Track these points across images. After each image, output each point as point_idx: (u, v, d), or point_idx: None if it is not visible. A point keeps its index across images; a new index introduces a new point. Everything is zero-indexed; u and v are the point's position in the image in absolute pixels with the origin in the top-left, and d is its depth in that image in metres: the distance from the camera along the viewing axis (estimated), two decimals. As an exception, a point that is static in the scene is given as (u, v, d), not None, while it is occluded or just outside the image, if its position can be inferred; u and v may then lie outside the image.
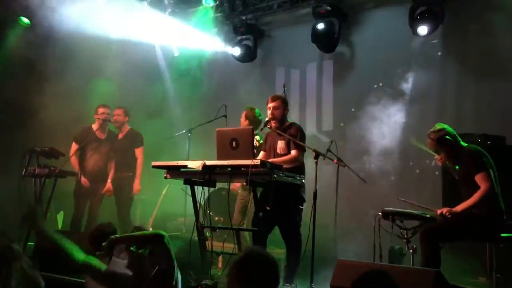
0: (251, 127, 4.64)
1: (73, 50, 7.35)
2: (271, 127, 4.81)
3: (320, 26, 7.05)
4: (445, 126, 4.25)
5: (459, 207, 4.03)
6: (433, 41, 6.52)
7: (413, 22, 6.32)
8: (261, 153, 4.97)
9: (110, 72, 7.63)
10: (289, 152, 4.70)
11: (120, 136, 6.77)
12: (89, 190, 6.39)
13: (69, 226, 6.56)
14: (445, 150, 4.24)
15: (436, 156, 4.43)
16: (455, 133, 4.24)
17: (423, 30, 6.28)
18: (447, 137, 4.19)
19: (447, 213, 4.00)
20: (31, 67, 7.39)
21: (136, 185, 6.60)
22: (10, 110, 7.20)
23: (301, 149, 4.65)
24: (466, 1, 6.39)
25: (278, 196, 4.14)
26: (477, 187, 4.02)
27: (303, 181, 4.63)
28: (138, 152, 6.68)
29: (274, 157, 4.74)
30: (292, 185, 4.39)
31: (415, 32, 6.35)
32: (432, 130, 4.30)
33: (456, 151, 4.22)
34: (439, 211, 4.06)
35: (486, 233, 4.05)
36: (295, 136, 4.66)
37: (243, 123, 5.97)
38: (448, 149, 4.22)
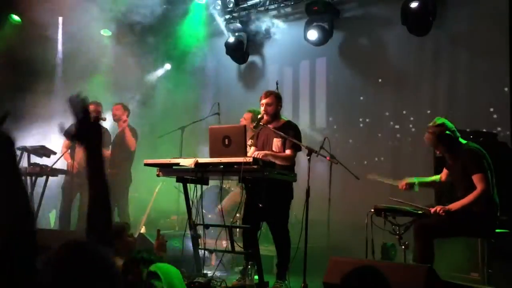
0: (244, 124, 4.63)
1: (66, 46, 7.32)
2: (264, 123, 4.79)
3: (313, 22, 7.06)
4: (445, 120, 4.23)
5: (453, 206, 4.04)
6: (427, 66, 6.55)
7: (406, 20, 6.33)
8: (252, 149, 4.94)
9: (103, 70, 7.60)
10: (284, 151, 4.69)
11: (119, 130, 6.77)
12: (77, 185, 6.32)
13: (58, 222, 6.52)
14: (443, 145, 4.21)
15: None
16: (454, 128, 4.22)
17: (415, 27, 6.29)
18: (447, 132, 4.17)
19: (441, 211, 4.01)
20: (23, 65, 7.34)
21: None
22: (1, 107, 7.15)
23: (296, 150, 4.65)
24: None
25: (267, 192, 4.13)
26: (473, 186, 4.02)
27: (295, 178, 4.62)
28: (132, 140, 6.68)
29: None
30: (281, 181, 4.39)
31: (408, 29, 6.36)
32: (431, 124, 4.27)
33: (455, 147, 4.21)
34: (432, 210, 4.06)
35: (481, 229, 4.06)
36: (294, 137, 4.64)
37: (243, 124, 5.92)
38: (447, 144, 4.20)
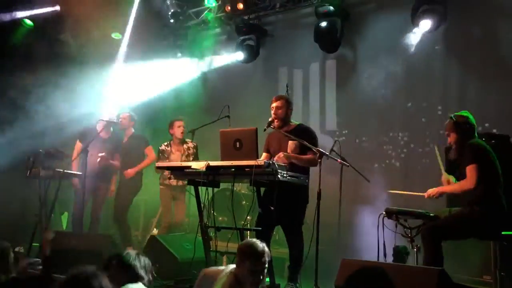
0: (255, 127, 4.63)
1: (79, 50, 7.41)
2: (275, 127, 4.80)
3: (323, 24, 7.05)
4: (470, 115, 4.29)
5: (446, 188, 4.20)
6: (436, 47, 6.53)
7: (416, 19, 6.31)
8: (264, 155, 4.94)
9: (114, 72, 7.68)
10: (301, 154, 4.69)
11: (125, 140, 6.82)
12: (90, 189, 6.39)
13: (71, 226, 6.59)
14: (456, 134, 4.24)
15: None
16: (475, 125, 4.26)
17: (425, 24, 6.25)
18: (466, 124, 4.21)
19: (436, 194, 4.13)
20: (37, 69, 7.43)
21: (131, 171, 6.62)
22: (15, 112, 7.23)
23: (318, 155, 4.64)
24: (468, 1, 6.38)
25: (281, 196, 4.14)
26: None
27: (307, 181, 4.63)
28: (148, 150, 6.78)
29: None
30: (295, 185, 4.39)
31: (417, 25, 6.35)
32: (456, 113, 4.33)
33: (464, 141, 4.22)
34: (426, 194, 4.18)
35: (488, 231, 4.04)
36: (311, 142, 4.63)
37: (181, 131, 6.55)
38: (461, 134, 4.22)
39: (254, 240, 3.25)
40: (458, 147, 4.25)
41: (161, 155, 6.61)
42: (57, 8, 7.84)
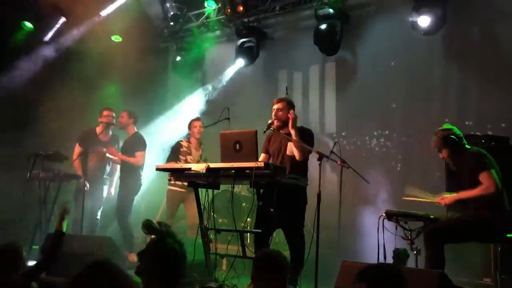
0: (255, 129, 4.62)
1: (80, 54, 7.41)
2: (274, 129, 4.80)
3: (322, 27, 7.06)
4: (453, 127, 4.32)
5: (463, 194, 4.10)
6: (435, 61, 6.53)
7: (415, 22, 6.30)
8: (262, 155, 4.95)
9: (115, 76, 7.68)
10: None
11: (127, 138, 6.81)
12: (90, 192, 6.38)
13: (71, 228, 6.57)
14: (448, 148, 4.27)
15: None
16: (462, 135, 4.28)
17: (425, 26, 6.24)
18: (452, 136, 4.23)
19: (450, 202, 4.12)
20: (38, 71, 7.44)
21: (112, 149, 6.55)
22: (15, 113, 7.24)
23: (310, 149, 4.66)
24: (469, 3, 6.39)
25: (280, 198, 4.13)
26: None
27: (307, 183, 4.63)
28: (138, 154, 6.58)
29: (282, 159, 4.74)
30: (295, 186, 4.39)
31: (416, 28, 6.35)
32: (439, 128, 4.37)
33: (459, 152, 4.25)
34: (442, 202, 4.17)
35: (492, 234, 4.05)
36: (309, 143, 4.64)
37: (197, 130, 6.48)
38: (451, 148, 4.25)
39: (271, 250, 2.95)
40: (453, 159, 4.29)
41: (179, 148, 6.46)
42: (64, 19, 7.83)
